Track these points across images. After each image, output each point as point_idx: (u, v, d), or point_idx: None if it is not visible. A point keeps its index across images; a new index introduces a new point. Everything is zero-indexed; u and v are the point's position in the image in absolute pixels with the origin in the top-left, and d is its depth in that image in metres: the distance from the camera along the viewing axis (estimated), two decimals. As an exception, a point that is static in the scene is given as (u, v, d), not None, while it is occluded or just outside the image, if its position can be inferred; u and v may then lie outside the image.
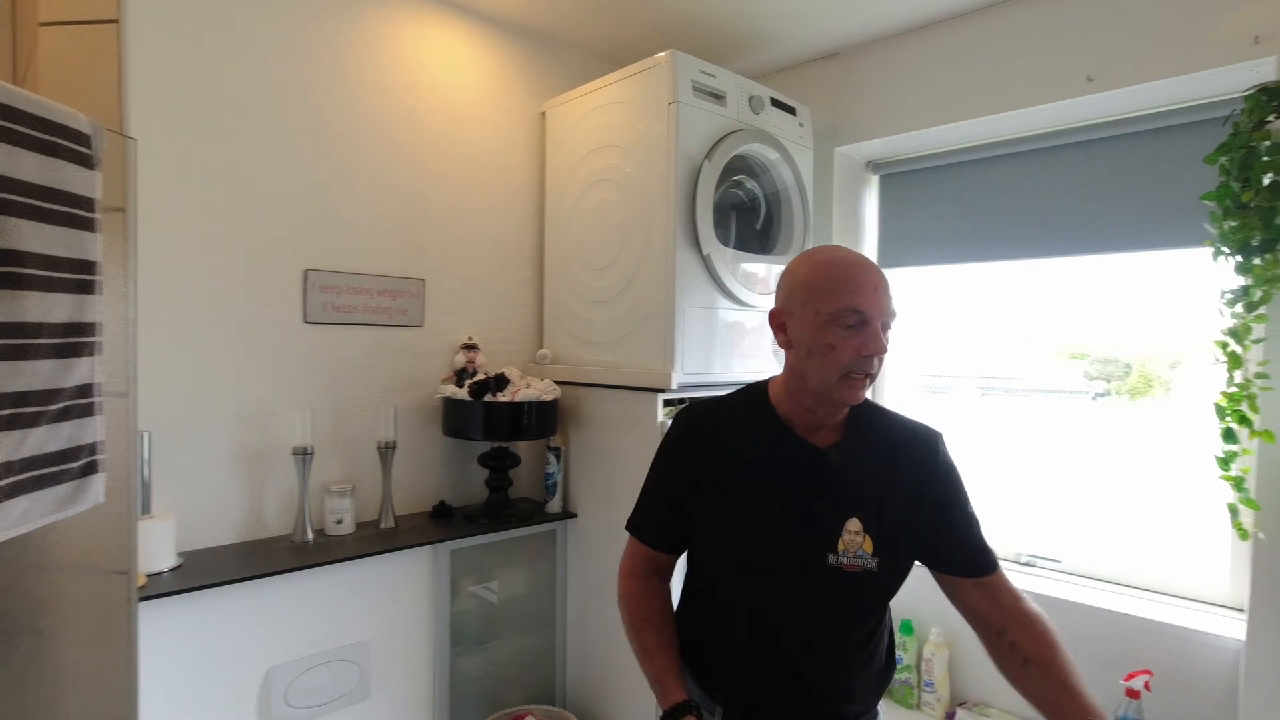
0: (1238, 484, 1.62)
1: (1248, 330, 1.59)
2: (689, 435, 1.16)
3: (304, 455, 1.79)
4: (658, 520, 1.18)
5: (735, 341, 2.10)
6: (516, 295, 2.38)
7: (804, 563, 1.05)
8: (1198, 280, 1.96)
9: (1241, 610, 1.76)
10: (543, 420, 2.09)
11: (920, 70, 2.27)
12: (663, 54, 1.94)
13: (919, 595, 2.27)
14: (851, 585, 1.05)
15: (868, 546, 1.05)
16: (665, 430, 1.90)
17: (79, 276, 0.93)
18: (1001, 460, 2.44)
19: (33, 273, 0.85)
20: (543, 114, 2.40)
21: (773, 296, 2.22)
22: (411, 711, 1.96)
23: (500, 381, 2.05)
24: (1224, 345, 1.61)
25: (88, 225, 0.94)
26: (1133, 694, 1.79)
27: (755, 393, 1.17)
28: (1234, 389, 1.60)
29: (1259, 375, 1.59)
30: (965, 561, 1.10)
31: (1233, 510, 1.64)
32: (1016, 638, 1.06)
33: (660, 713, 1.07)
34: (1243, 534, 1.65)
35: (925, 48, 2.26)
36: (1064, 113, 2.06)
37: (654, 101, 1.95)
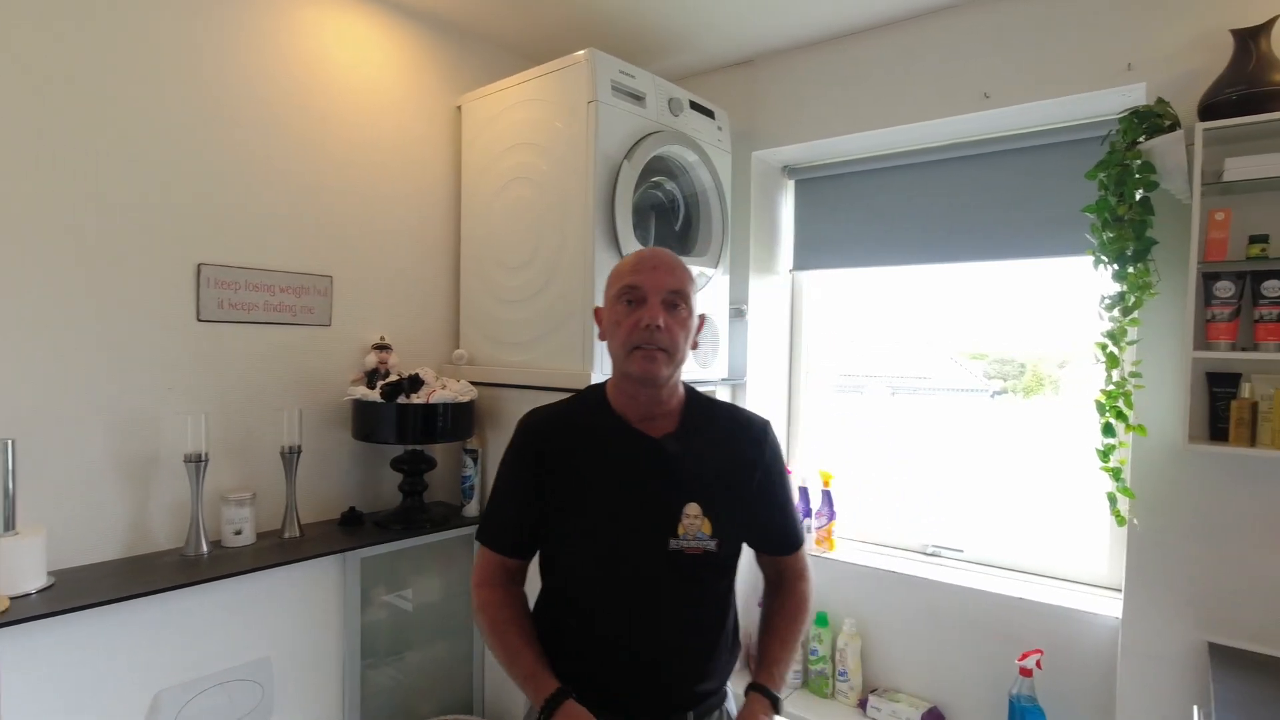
0: (1115, 474, 1.75)
1: (1124, 333, 1.71)
2: (529, 441, 1.18)
3: (197, 462, 1.67)
4: (507, 527, 1.19)
5: (655, 342, 2.10)
6: (431, 294, 2.31)
7: (648, 550, 1.10)
8: (1082, 286, 2.11)
9: (1118, 590, 1.91)
10: (459, 422, 2.04)
11: (830, 80, 2.35)
12: (582, 52, 1.92)
13: (833, 589, 2.35)
14: (694, 568, 1.11)
15: (706, 529, 1.11)
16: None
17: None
18: (911, 456, 2.56)
19: None
20: (458, 108, 2.34)
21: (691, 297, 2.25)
22: (318, 729, 1.87)
23: (414, 382, 1.98)
24: (1103, 347, 1.74)
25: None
26: (1026, 672, 1.91)
27: (592, 393, 1.22)
28: (1112, 387, 1.73)
29: (1133, 374, 1.73)
30: (776, 541, 1.24)
31: (1111, 499, 1.77)
32: (774, 603, 1.24)
33: (537, 708, 1.06)
34: (1120, 520, 1.78)
35: (834, 59, 2.34)
36: (963, 126, 2.18)
37: (573, 100, 1.93)
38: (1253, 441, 1.57)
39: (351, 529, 1.97)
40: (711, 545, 1.11)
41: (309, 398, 1.98)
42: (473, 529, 2.16)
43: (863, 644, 2.29)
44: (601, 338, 1.18)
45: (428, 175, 2.28)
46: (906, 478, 2.52)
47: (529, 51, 2.50)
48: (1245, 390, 1.60)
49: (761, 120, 2.50)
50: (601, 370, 1.92)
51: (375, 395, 1.94)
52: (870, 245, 2.47)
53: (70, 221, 1.56)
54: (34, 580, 1.42)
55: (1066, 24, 1.92)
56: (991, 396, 2.57)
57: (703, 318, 1.20)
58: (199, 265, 1.75)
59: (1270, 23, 1.57)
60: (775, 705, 1.11)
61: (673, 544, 1.09)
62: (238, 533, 1.75)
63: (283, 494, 1.87)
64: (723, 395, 2.44)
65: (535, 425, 1.20)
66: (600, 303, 1.22)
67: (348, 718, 1.90)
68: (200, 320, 1.76)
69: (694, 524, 1.10)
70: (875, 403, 2.70)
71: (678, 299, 1.11)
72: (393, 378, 1.99)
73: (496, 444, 2.18)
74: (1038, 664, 1.91)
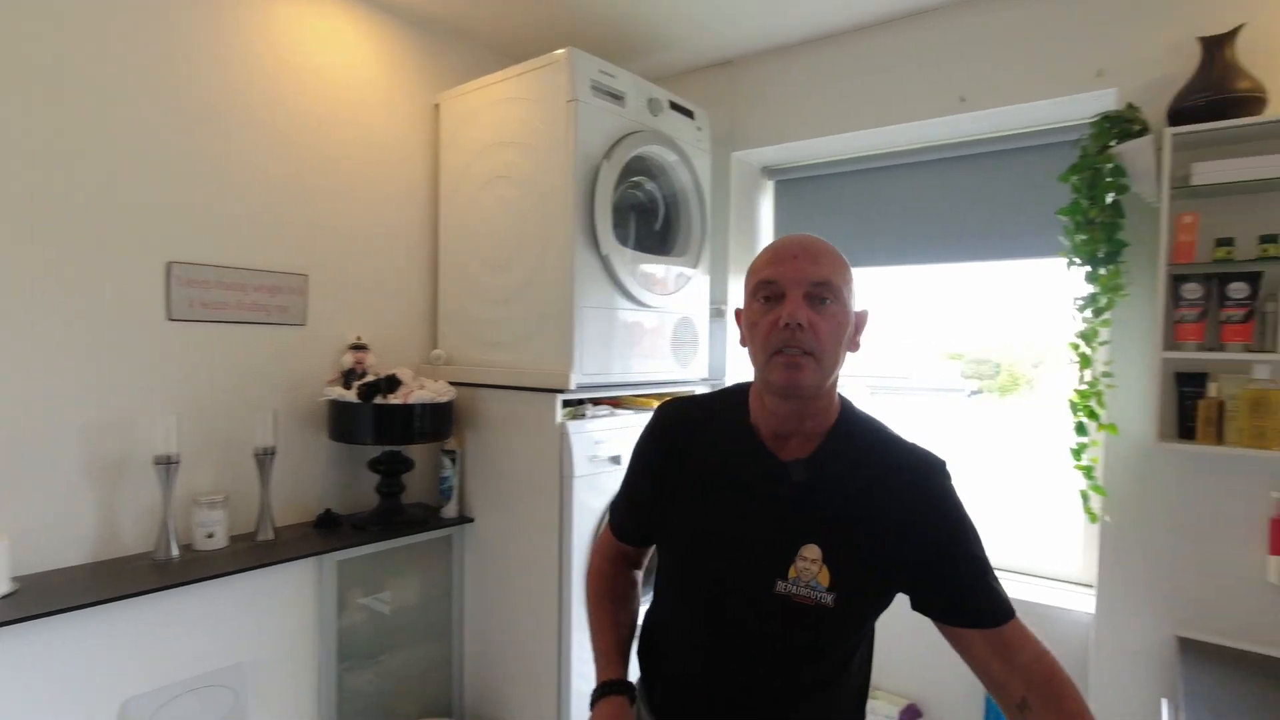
0: (1088, 472, 1.78)
1: (1095, 333, 1.74)
2: (658, 433, 1.08)
3: (167, 464, 1.64)
4: (624, 512, 1.13)
5: (635, 342, 2.11)
6: (409, 293, 2.29)
7: (750, 586, 0.94)
8: (1056, 288, 2.14)
9: (1091, 586, 1.94)
10: (437, 422, 2.02)
11: (810, 81, 2.36)
12: (561, 51, 1.91)
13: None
14: (801, 618, 0.92)
15: (824, 578, 0.91)
16: (561, 431, 1.89)
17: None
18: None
19: None
20: (436, 106, 2.31)
21: (672, 298, 2.26)
22: (293, 735, 1.84)
23: (391, 383, 1.96)
24: (1076, 347, 1.77)
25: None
26: (1000, 670, 1.92)
27: (736, 393, 1.06)
28: (1084, 386, 1.76)
29: (1105, 374, 1.76)
30: (967, 611, 0.93)
31: (1084, 496, 1.80)
32: (1014, 680, 0.89)
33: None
34: (1092, 517, 1.81)
35: (814, 60, 2.35)
36: (941, 129, 2.20)
37: (552, 98, 1.92)
38: (1220, 439, 1.61)
39: (327, 531, 1.94)
40: (827, 599, 0.90)
41: (284, 398, 1.95)
42: (451, 530, 2.16)
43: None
44: (743, 343, 1.00)
45: (406, 173, 2.26)
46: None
47: (508, 49, 2.49)
48: (1212, 390, 1.64)
49: (741, 121, 2.51)
50: (582, 370, 1.92)
51: (352, 396, 1.91)
52: (849, 247, 2.45)
53: (32, 217, 1.52)
54: (-3, 586, 1.38)
55: (1040, 30, 1.95)
56: (968, 396, 2.61)
57: (863, 314, 0.99)
58: (169, 263, 1.72)
59: (1235, 31, 1.60)
60: None
61: (780, 586, 0.91)
62: (210, 536, 1.72)
63: (257, 496, 1.84)
64: (703, 395, 2.44)
65: (667, 418, 1.08)
66: (737, 304, 1.09)
67: (324, 722, 1.88)
68: (171, 319, 1.73)
69: (809, 569, 0.91)
70: (856, 402, 2.72)
71: (825, 291, 0.91)
72: (369, 378, 1.97)
73: (476, 445, 2.16)
74: (1012, 660, 1.93)
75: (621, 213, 2.19)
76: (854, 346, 0.98)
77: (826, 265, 0.93)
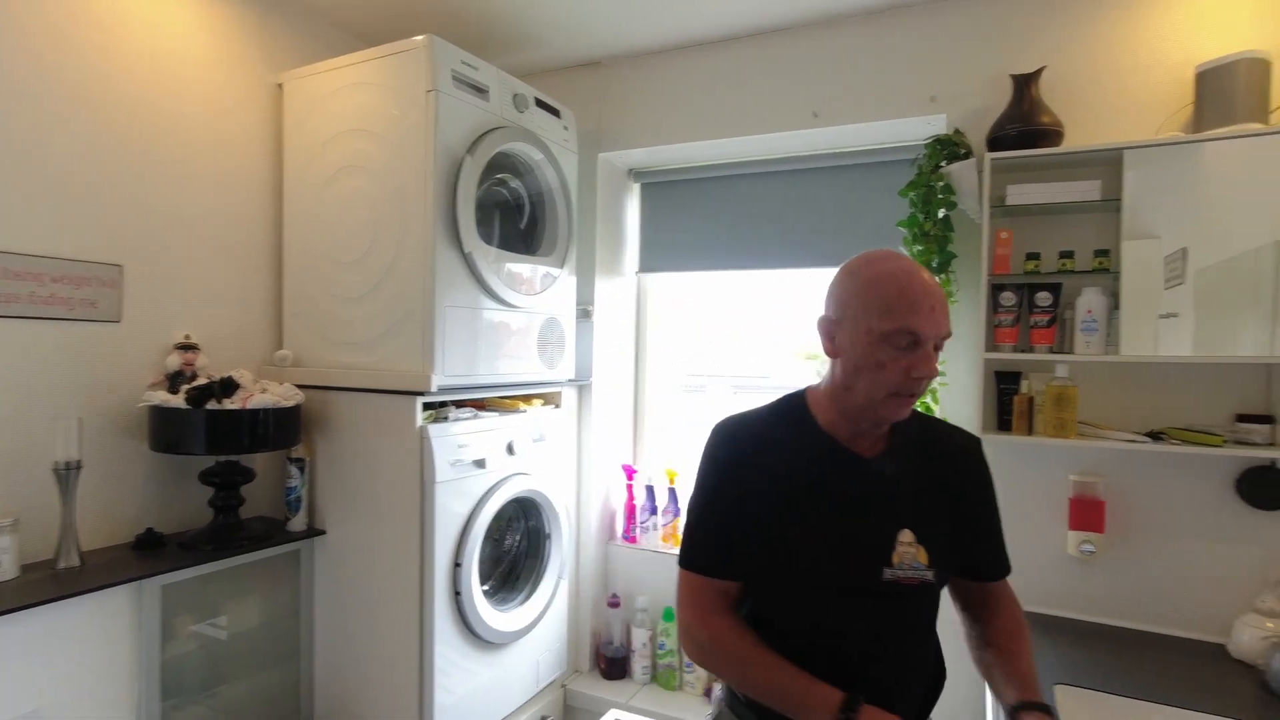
0: (922, 464, 1.94)
1: (929, 336, 1.90)
2: (728, 451, 1.10)
3: (-64, 486, 1.39)
4: (718, 547, 1.06)
5: (500, 343, 2.05)
6: (249, 289, 2.09)
7: (859, 579, 1.00)
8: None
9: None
10: (282, 429, 1.86)
11: (675, 88, 2.41)
12: (420, 37, 1.82)
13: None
14: (910, 598, 1.01)
15: (922, 558, 1.01)
16: (422, 435, 1.80)
17: None
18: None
19: None
20: (280, 85, 2.13)
21: (538, 298, 2.21)
22: (105, 787, 1.62)
23: (227, 386, 1.78)
24: (913, 348, 1.92)
25: None
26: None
27: (792, 403, 1.13)
28: (920, 385, 1.92)
29: (939, 373, 1.92)
30: (990, 568, 1.12)
31: (919, 486, 1.96)
32: (987, 626, 1.11)
33: (830, 717, 0.94)
34: (926, 505, 1.98)
35: (679, 67, 2.40)
36: (797, 141, 2.32)
37: (410, 87, 1.83)
38: (1030, 431, 1.81)
39: (149, 553, 1.73)
40: (929, 575, 1.01)
41: (93, 405, 1.72)
42: (299, 545, 2.00)
43: (706, 635, 2.37)
44: (830, 354, 1.06)
45: (244, 157, 2.06)
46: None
47: (361, 31, 2.34)
48: (1024, 387, 1.84)
49: (608, 122, 2.52)
50: (444, 372, 1.84)
51: (179, 401, 1.72)
52: (711, 250, 2.56)
53: None
54: None
55: (884, 55, 2.10)
56: (822, 394, 2.75)
57: None
58: (-61, 248, 1.46)
59: (1039, 71, 1.81)
60: (1053, 715, 0.98)
61: (887, 574, 1.00)
62: (-6, 566, 1.48)
63: (57, 518, 1.61)
64: (569, 396, 2.43)
65: (732, 437, 1.10)
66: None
67: (144, 768, 1.67)
68: (-59, 314, 1.47)
69: (909, 552, 1.01)
70: (718, 401, 2.81)
71: (943, 342, 1.02)
72: (200, 381, 1.78)
73: (328, 452, 2.01)
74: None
75: (485, 210, 2.13)
76: None
77: (949, 315, 1.03)
